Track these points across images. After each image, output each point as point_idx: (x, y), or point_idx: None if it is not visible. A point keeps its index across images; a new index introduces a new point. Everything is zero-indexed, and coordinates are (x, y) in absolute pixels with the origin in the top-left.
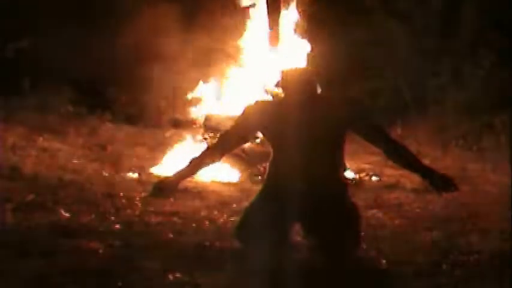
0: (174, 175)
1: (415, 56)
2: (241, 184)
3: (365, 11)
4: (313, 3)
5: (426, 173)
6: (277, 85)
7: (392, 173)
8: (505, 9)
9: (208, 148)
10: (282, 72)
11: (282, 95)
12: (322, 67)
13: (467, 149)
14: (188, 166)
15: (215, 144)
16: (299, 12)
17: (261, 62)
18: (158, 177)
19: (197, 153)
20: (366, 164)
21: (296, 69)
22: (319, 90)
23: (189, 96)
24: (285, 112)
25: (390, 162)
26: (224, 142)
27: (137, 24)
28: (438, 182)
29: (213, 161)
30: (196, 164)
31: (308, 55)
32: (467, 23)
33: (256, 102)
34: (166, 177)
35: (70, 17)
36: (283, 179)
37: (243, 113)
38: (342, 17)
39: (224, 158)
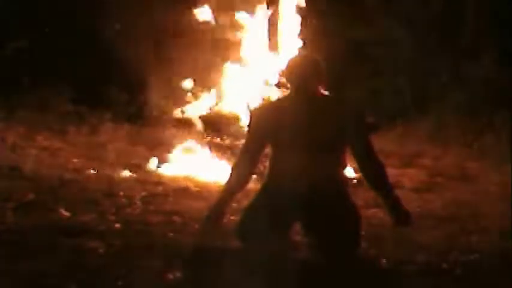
0: (219, 206)
1: (416, 56)
2: None
3: (365, 10)
4: (313, 3)
5: (392, 202)
6: (278, 84)
7: (393, 172)
8: (505, 9)
9: (234, 167)
10: (287, 61)
11: (284, 95)
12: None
13: (467, 147)
14: (227, 193)
15: (239, 160)
16: (299, 13)
17: (261, 62)
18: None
19: (227, 176)
20: None
21: (301, 57)
22: (323, 81)
23: (190, 95)
24: (286, 111)
25: (391, 161)
26: (247, 155)
27: (137, 24)
28: (398, 214)
29: (247, 177)
30: (234, 187)
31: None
32: (468, 23)
33: (259, 104)
34: (211, 211)
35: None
36: (283, 178)
37: (251, 120)
38: (342, 16)
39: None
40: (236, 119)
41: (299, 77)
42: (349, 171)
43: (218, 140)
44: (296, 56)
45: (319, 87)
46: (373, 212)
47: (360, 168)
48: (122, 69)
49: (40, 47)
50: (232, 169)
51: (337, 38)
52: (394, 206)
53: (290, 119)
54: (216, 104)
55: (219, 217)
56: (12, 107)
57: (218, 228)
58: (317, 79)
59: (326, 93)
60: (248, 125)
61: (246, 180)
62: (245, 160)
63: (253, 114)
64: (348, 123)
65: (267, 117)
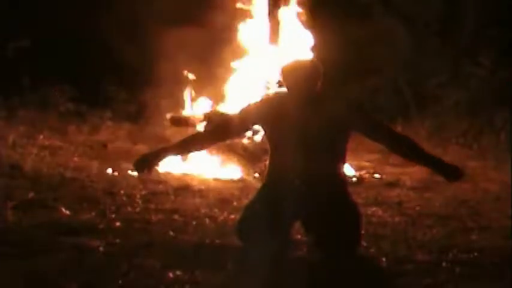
0: (159, 150)
1: (415, 55)
2: (242, 182)
3: (365, 9)
4: (313, 1)
5: (433, 162)
6: (279, 83)
7: (393, 170)
8: (504, 8)
9: (201, 132)
10: (283, 66)
11: (283, 93)
12: (322, 62)
13: (467, 147)
14: (176, 145)
15: (210, 130)
16: (299, 9)
17: (262, 59)
18: (158, 174)
19: (188, 136)
20: (367, 161)
21: (297, 61)
22: (320, 83)
23: (190, 94)
24: (285, 109)
25: (391, 160)
26: (220, 130)
27: (135, 21)
28: (446, 170)
29: (202, 147)
30: (185, 145)
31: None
32: (467, 23)
33: (261, 98)
34: (151, 152)
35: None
36: (283, 177)
37: (245, 107)
38: (342, 15)
39: (212, 148)
40: None
41: (296, 83)
42: (349, 170)
43: None
44: (292, 62)
45: (317, 88)
46: (373, 210)
47: (392, 149)
48: (122, 68)
49: (40, 47)
50: (191, 137)
51: (337, 37)
52: (440, 166)
53: (288, 117)
54: (217, 103)
55: (153, 162)
56: (12, 106)
57: (148, 168)
58: (314, 83)
59: (324, 91)
60: (240, 111)
61: (190, 152)
62: (210, 137)
63: (249, 104)
64: (351, 120)
65: (261, 111)
